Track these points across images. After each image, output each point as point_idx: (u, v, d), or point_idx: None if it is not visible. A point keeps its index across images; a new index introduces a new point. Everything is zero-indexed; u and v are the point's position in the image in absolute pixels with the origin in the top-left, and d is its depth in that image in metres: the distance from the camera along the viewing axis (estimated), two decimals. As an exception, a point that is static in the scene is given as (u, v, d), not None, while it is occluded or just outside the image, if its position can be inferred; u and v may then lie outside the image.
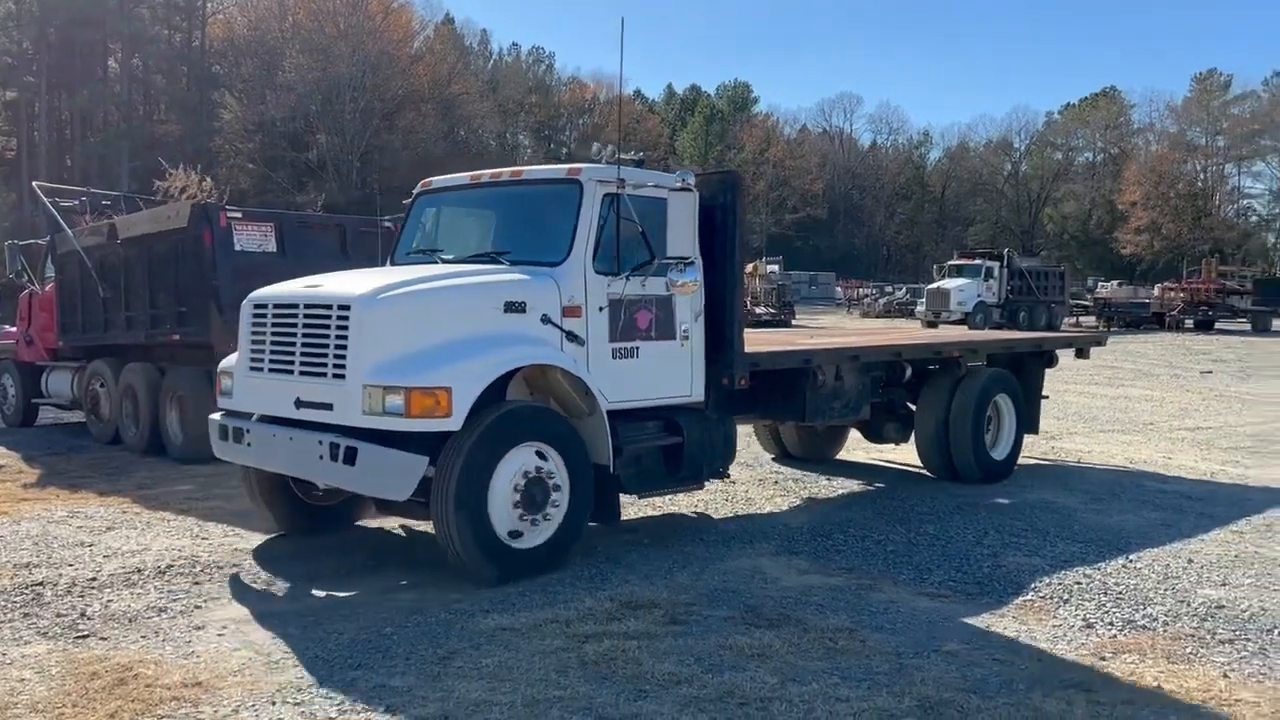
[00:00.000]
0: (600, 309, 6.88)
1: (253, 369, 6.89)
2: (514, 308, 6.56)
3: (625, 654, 5.17)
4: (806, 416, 8.87)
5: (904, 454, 10.74)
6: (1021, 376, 10.51)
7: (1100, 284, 59.27)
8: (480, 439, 6.15)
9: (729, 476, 8.16)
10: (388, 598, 6.21)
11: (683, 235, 7.07)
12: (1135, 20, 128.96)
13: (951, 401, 9.71)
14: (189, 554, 7.23)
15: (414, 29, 65.84)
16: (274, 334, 6.76)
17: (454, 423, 6.06)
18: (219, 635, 5.55)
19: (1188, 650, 5.33)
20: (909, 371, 9.86)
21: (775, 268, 54.17)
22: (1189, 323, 42.02)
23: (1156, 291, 46.32)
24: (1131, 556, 7.19)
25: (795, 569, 6.88)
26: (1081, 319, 44.14)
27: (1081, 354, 12.07)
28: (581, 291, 6.81)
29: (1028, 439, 10.59)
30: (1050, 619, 5.85)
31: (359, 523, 7.95)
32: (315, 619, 5.79)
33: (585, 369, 6.75)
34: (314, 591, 6.40)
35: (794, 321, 43.55)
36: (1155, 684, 4.86)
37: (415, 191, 8.12)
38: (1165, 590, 6.38)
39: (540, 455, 6.44)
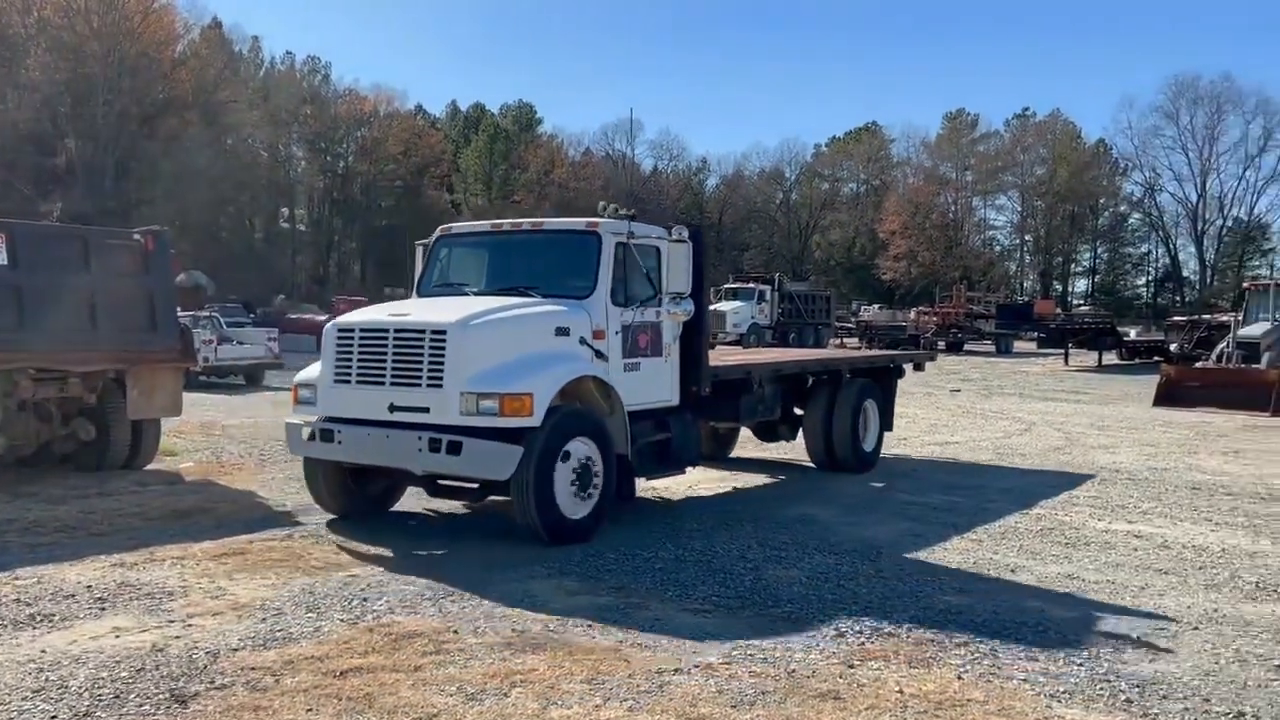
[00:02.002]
0: (616, 332, 8.60)
1: (338, 381, 8.23)
2: (561, 332, 8.24)
3: (384, 687, 4.99)
4: (740, 418, 11.04)
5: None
6: (881, 386, 12.70)
7: (863, 308, 62.94)
8: (551, 433, 7.76)
9: (699, 464, 10.16)
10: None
11: (680, 276, 8.92)
12: (893, 59, 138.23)
13: (833, 406, 11.70)
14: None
15: (177, 31, 62.02)
16: (361, 353, 8.13)
17: (535, 420, 7.66)
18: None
19: (928, 654, 5.65)
20: (810, 381, 11.96)
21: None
22: (941, 344, 45.24)
23: (912, 315, 49.67)
24: (882, 566, 7.59)
25: (565, 590, 6.86)
26: (845, 340, 46.66)
27: (918, 368, 14.79)
28: (604, 319, 8.51)
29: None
30: (805, 629, 6.07)
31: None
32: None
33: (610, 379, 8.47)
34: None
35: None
36: (897, 688, 5.12)
37: (435, 235, 9.77)
38: (910, 597, 6.77)
39: (585, 445, 8.03)
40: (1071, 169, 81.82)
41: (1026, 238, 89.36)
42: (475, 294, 8.93)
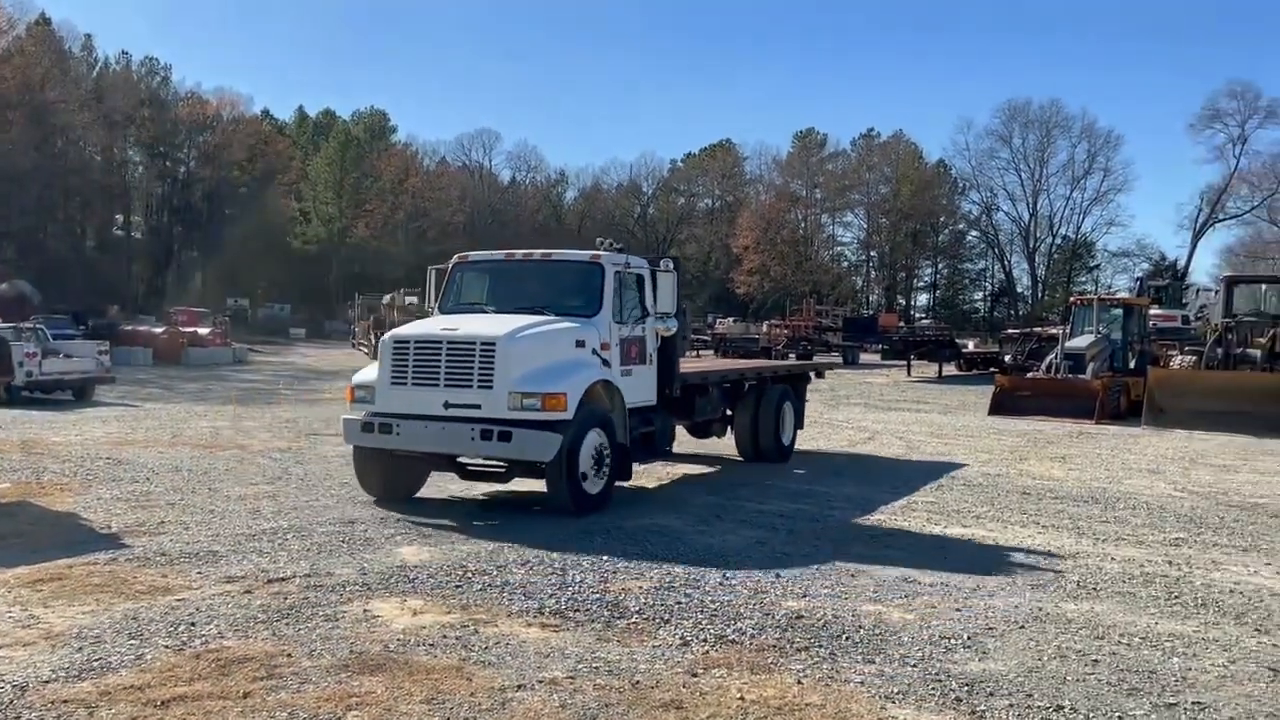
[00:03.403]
0: (616, 345, 10.42)
1: (395, 383, 9.79)
2: (580, 344, 10.04)
3: (209, 716, 4.75)
4: (694, 416, 12.69)
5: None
6: (796, 391, 14.98)
7: (718, 320, 63.98)
8: (579, 424, 9.48)
9: (672, 453, 12.28)
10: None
11: (668, 299, 10.93)
12: (748, 78, 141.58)
13: (759, 407, 13.72)
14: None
15: (0, 26, 58.54)
16: (416, 359, 9.71)
17: (568, 414, 9.41)
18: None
19: (769, 660, 5.74)
20: (746, 386, 13.77)
21: (414, 299, 53.48)
22: (792, 355, 46.35)
23: (765, 328, 50.79)
24: (728, 574, 7.68)
25: (410, 609, 6.68)
26: (701, 352, 47.32)
27: (819, 375, 17.28)
28: (608, 334, 10.33)
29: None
30: (651, 639, 6.08)
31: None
32: None
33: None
34: None
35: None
36: (739, 695, 5.17)
37: (453, 262, 11.51)
38: (754, 604, 6.87)
39: (599, 434, 9.75)
40: (914, 188, 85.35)
41: (872, 253, 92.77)
42: (494, 312, 10.61)
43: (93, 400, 22.53)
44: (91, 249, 70.21)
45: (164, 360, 34.63)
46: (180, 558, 7.94)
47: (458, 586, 7.23)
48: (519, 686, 5.21)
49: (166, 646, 5.78)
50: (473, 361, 9.48)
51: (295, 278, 76.37)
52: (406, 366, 9.76)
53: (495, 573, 7.61)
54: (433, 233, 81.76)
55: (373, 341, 43.13)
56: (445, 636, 6.05)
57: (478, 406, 9.44)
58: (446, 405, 9.55)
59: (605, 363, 10.18)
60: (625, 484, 10.63)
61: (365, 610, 6.59)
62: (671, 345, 11.40)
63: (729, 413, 13.78)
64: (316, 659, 5.63)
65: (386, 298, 48.68)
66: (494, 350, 9.41)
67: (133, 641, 5.86)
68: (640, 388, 10.86)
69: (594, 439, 9.72)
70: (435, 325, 10.17)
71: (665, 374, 11.32)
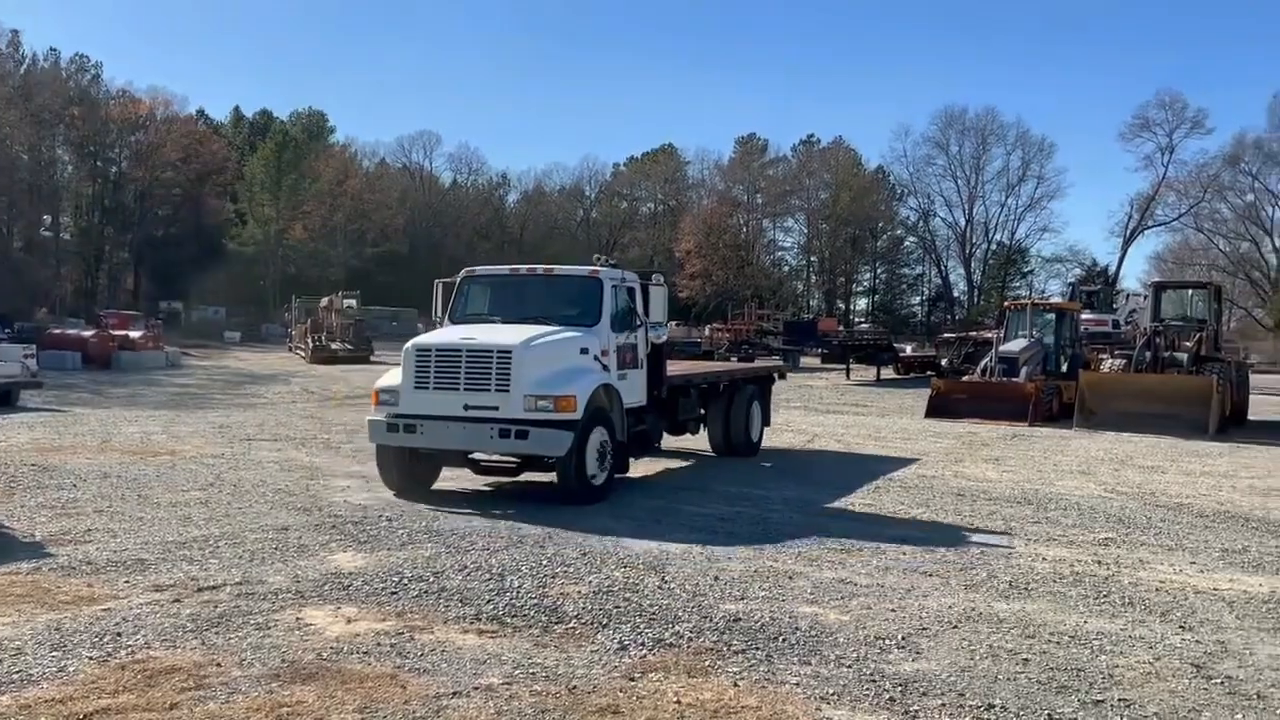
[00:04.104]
0: (613, 351, 11.39)
1: (418, 388, 10.70)
2: (584, 351, 11.05)
3: (134, 729, 4.62)
4: (677, 415, 13.59)
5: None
6: (763, 391, 16.09)
7: (661, 324, 64.01)
8: (586, 422, 10.49)
9: (660, 448, 13.72)
10: None
11: (659, 309, 12.23)
12: (688, 84, 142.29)
13: (731, 406, 14.77)
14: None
15: (-79, 19, 56.78)
16: (438, 366, 10.66)
17: (578, 415, 10.37)
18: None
19: (706, 663, 5.75)
20: (721, 387, 14.71)
21: (353, 302, 52.89)
22: (733, 359, 46.57)
23: (707, 332, 51.00)
24: (667, 577, 7.69)
25: (344, 617, 6.58)
26: (644, 356, 47.34)
27: (782, 376, 18.36)
28: (608, 341, 11.32)
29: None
30: (589, 644, 6.06)
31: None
32: None
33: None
34: None
35: (373, 358, 42.68)
36: (675, 699, 5.18)
37: (461, 275, 12.33)
38: (692, 607, 6.88)
39: (602, 432, 10.80)
40: (853, 194, 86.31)
41: (812, 258, 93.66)
42: (500, 321, 11.53)
43: (18, 405, 21.86)
44: (18, 250, 68.16)
45: (94, 364, 33.72)
46: (107, 566, 7.74)
47: (393, 593, 7.14)
48: (454, 694, 5.16)
49: (90, 658, 5.63)
50: (490, 367, 10.45)
51: (231, 280, 74.98)
52: (429, 372, 10.68)
53: (431, 579, 7.53)
54: (372, 235, 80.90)
55: (310, 344, 42.84)
56: (379, 644, 5.97)
57: (496, 408, 10.39)
58: (466, 407, 10.48)
59: (605, 368, 11.20)
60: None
61: (298, 618, 6.49)
62: (660, 351, 12.46)
63: (703, 411, 14.69)
64: (247, 668, 5.52)
65: (324, 300, 48.07)
66: (510, 358, 10.38)
67: (55, 653, 5.70)
68: (633, 390, 11.82)
69: (598, 436, 10.77)
70: (454, 335, 11.17)
71: (655, 377, 12.37)
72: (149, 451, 14.45)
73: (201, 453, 14.38)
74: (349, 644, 5.97)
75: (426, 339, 11.22)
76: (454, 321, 11.94)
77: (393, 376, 11.11)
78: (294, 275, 76.69)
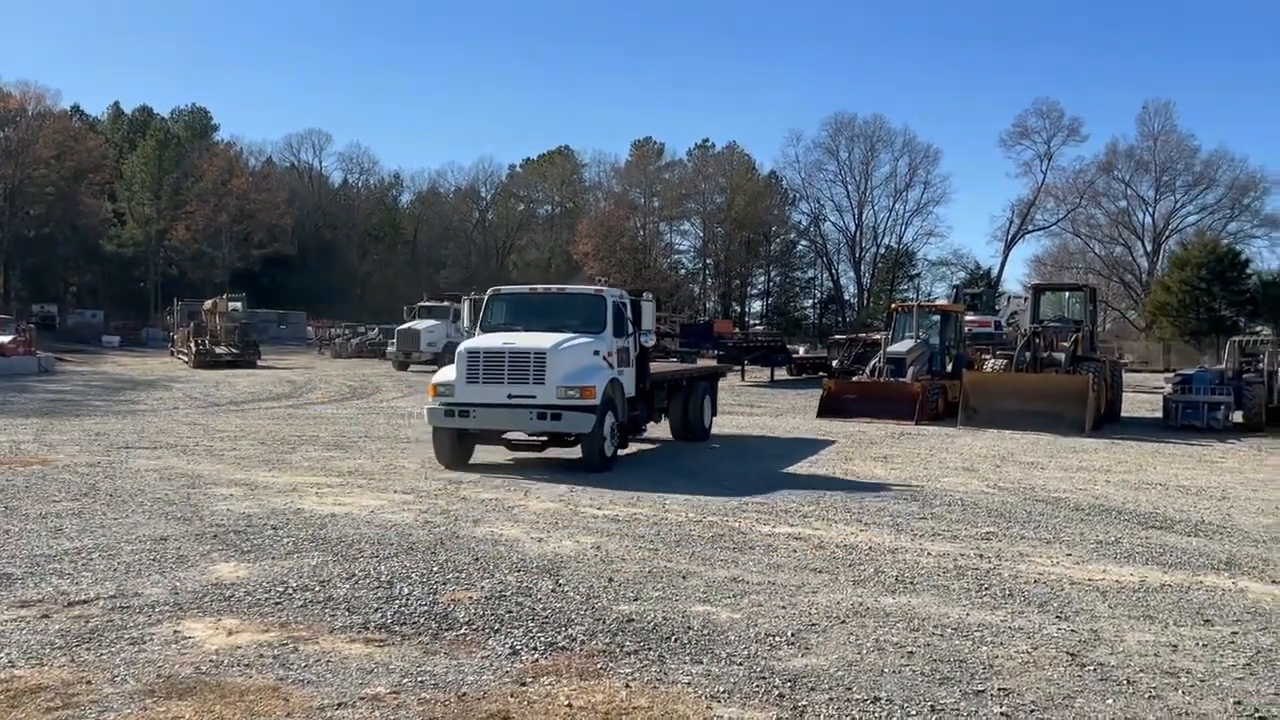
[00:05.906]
0: (614, 353, 14.14)
1: (469, 381, 13.36)
2: (596, 353, 13.82)
3: (-6, 754, 4.38)
4: (654, 405, 16.15)
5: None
6: (712, 386, 19.25)
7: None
8: (602, 407, 13.26)
9: (646, 432, 16.62)
10: None
11: (649, 320, 15.51)
12: (585, 85, 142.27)
13: (689, 398, 17.47)
14: None
15: None
16: (485, 364, 13.37)
17: (597, 401, 13.19)
18: None
19: (599, 666, 5.73)
20: (684, 382, 17.64)
21: (238, 305, 51.40)
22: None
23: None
24: (562, 580, 7.64)
25: (225, 629, 6.36)
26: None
27: (724, 376, 22.20)
28: (611, 345, 14.11)
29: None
30: (480, 650, 5.98)
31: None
32: None
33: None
34: None
35: (260, 362, 41.51)
36: (567, 702, 5.14)
37: (489, 294, 15.35)
38: (586, 610, 6.85)
39: (612, 416, 13.65)
40: (747, 198, 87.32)
41: (709, 261, 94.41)
42: (523, 330, 14.11)
43: (-127, 414, 20.60)
44: (-124, 250, 64.44)
45: (-41, 371, 32.03)
46: (-32, 583, 7.33)
47: (277, 603, 6.94)
48: (339, 705, 5.03)
49: (-53, 680, 5.31)
50: (529, 364, 13.21)
51: (109, 283, 72.08)
52: (479, 369, 13.37)
53: (318, 588, 7.33)
54: (259, 235, 78.59)
55: (193, 349, 41.41)
56: (262, 656, 5.79)
57: (533, 396, 13.14)
58: (509, 396, 13.21)
59: (610, 366, 13.93)
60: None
61: (175, 631, 6.25)
62: (646, 353, 15.58)
63: (666, 403, 17.23)
64: (119, 685, 5.29)
65: (208, 303, 46.53)
66: (545, 357, 13.16)
67: (-92, 676, 5.37)
68: (627, 384, 14.52)
69: (610, 419, 13.62)
70: (496, 340, 13.80)
71: (641, 374, 15.17)
72: (18, 461, 13.77)
73: (75, 461, 13.77)
74: (229, 656, 5.77)
75: (475, 343, 13.92)
76: (484, 330, 14.65)
77: (447, 373, 13.75)
78: (177, 277, 74.16)
